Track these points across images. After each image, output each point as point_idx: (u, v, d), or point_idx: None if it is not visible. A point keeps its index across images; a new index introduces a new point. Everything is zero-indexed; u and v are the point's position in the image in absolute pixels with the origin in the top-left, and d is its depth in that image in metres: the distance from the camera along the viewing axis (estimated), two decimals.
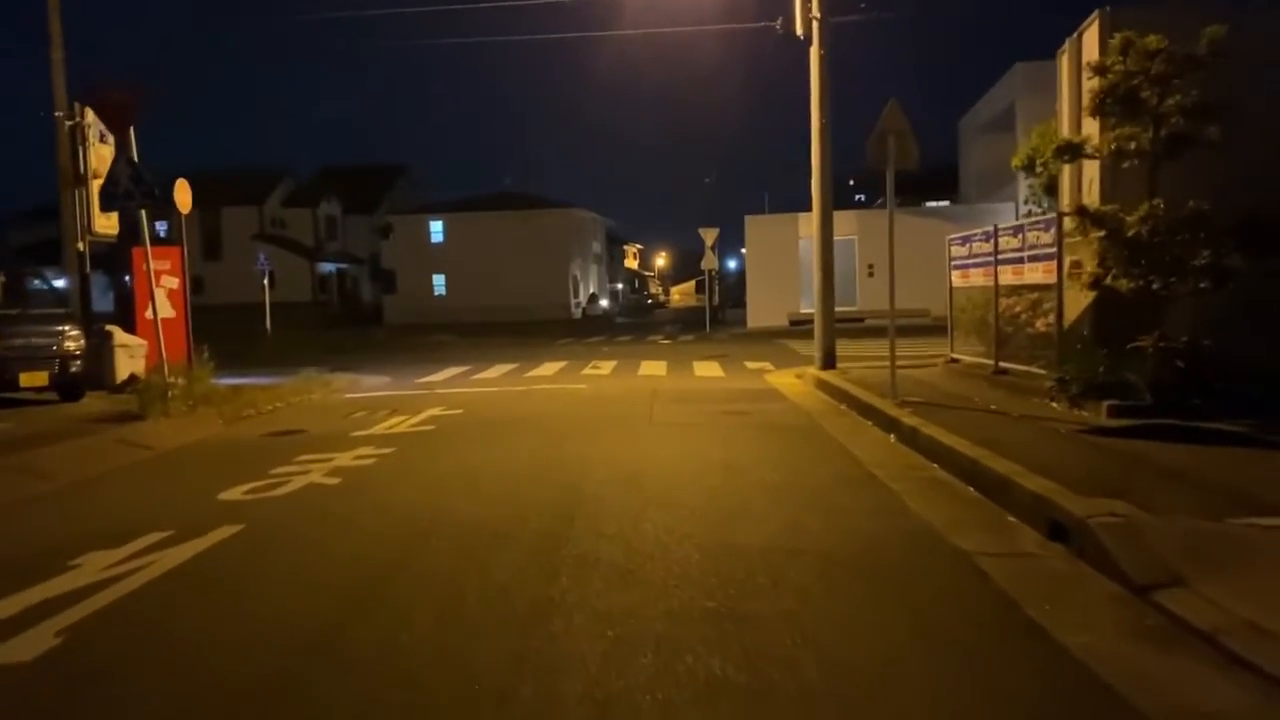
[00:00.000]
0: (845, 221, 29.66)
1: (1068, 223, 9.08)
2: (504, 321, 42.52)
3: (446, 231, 53.10)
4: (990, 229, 10.78)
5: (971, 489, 6.18)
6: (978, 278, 11.29)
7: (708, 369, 16.64)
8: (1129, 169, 8.64)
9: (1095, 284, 8.01)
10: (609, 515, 5.60)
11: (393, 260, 53.45)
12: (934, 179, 48.10)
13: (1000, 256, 10.39)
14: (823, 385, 12.35)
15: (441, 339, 31.36)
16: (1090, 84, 8.31)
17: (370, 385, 15.43)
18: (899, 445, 7.97)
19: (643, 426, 9.53)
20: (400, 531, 5.47)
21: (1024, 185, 29.57)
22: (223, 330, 32.10)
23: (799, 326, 31.23)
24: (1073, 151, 8.50)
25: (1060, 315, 9.03)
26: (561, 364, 18.22)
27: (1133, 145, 7.69)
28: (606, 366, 17.49)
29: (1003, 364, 10.51)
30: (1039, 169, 12.87)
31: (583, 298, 55.76)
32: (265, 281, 29.68)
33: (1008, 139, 32.87)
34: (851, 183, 62.30)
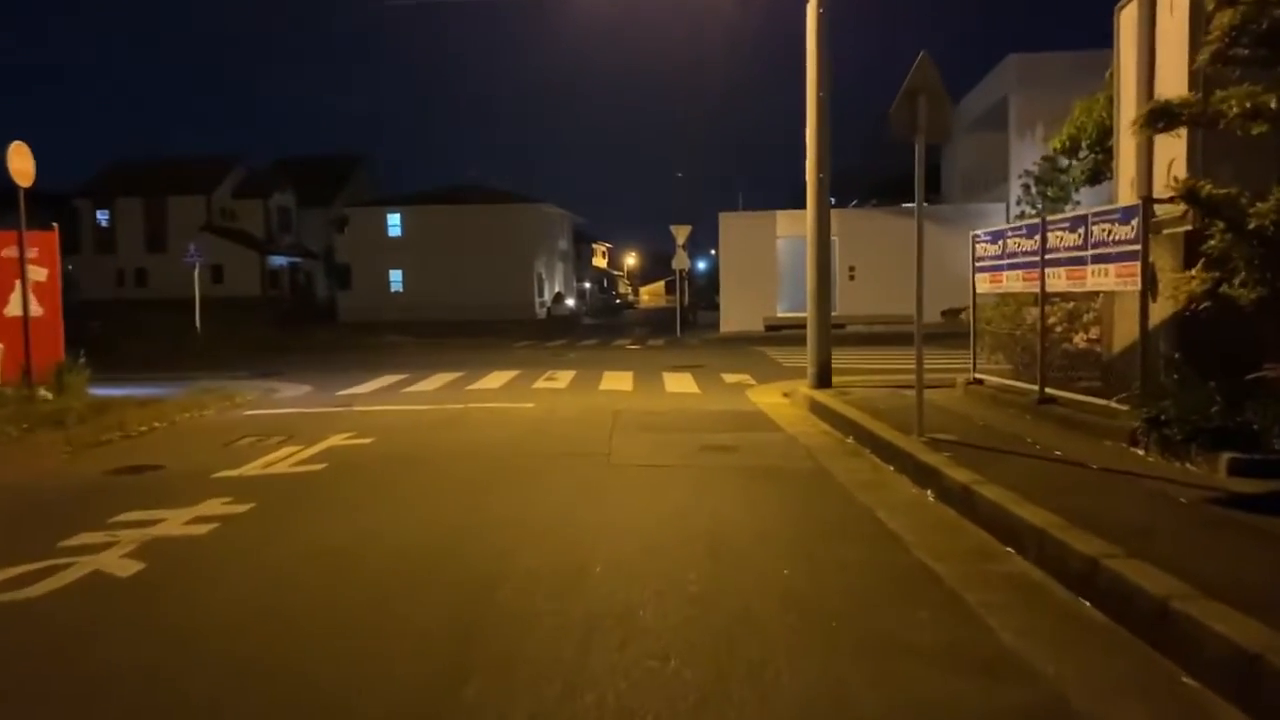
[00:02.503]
0: None
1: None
2: (464, 320, 40.04)
3: (405, 224, 50.43)
4: (1035, 222, 8.69)
5: (1086, 603, 4.05)
6: (1014, 282, 9.19)
7: (680, 383, 14.44)
8: (1228, 144, 6.63)
9: (1211, 292, 5.92)
10: (527, 668, 3.39)
11: (348, 254, 50.73)
12: (912, 179, 46.32)
13: (1049, 256, 8.29)
14: (819, 409, 10.20)
15: (391, 340, 28.95)
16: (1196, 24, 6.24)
17: (282, 398, 13.08)
18: (944, 508, 5.83)
19: (598, 471, 7.30)
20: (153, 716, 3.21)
21: (1016, 185, 27.77)
22: (156, 327, 29.61)
23: (776, 332, 29.21)
24: (1169, 117, 6.42)
25: (1145, 332, 6.94)
26: (513, 374, 15.92)
27: (1274, 103, 5.60)
28: (564, 378, 15.22)
29: (1050, 390, 8.41)
30: (1084, 152, 10.95)
31: (548, 297, 53.36)
32: (196, 275, 27.02)
33: (998, 137, 31.07)
34: None
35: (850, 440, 8.47)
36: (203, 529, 5.55)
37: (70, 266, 53.85)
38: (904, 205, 33.44)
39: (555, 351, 23.22)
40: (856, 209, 37.38)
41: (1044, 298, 8.53)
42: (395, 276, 50.22)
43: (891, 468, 7.14)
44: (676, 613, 3.99)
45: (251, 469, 7.49)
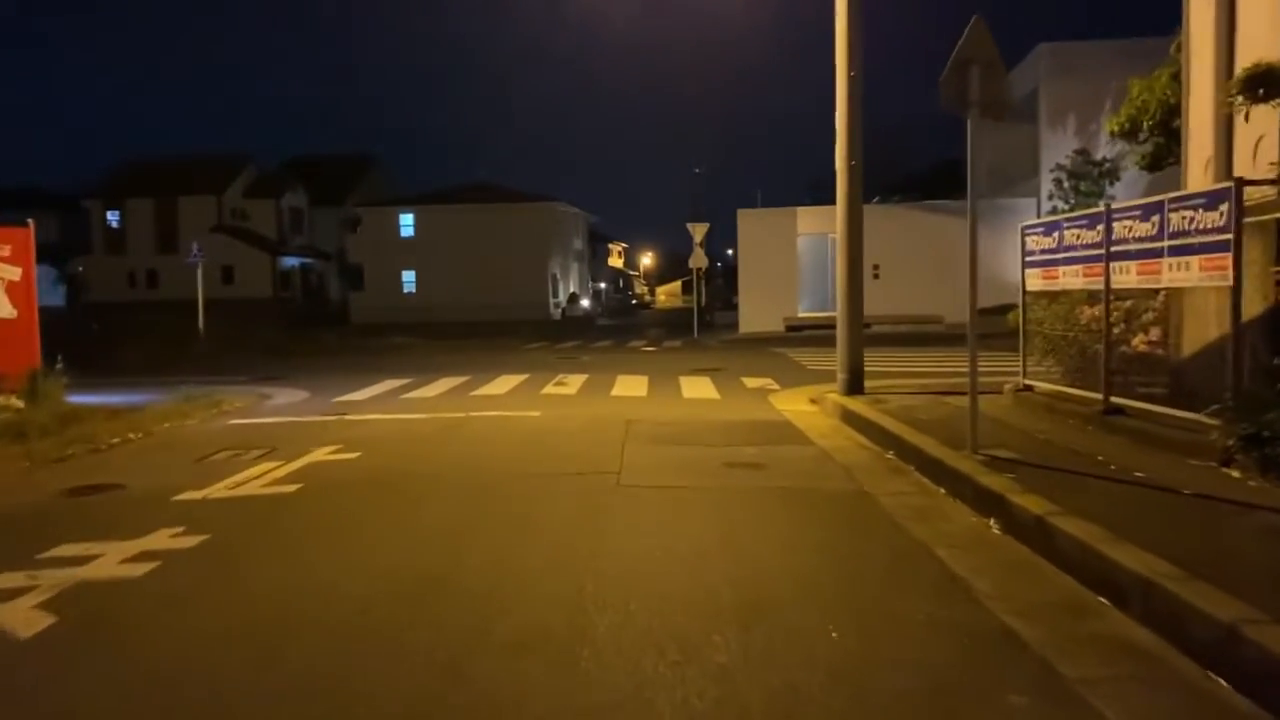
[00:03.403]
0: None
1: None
2: (477, 321, 39.25)
3: (417, 224, 49.70)
4: (1099, 211, 7.76)
5: (1222, 682, 3.15)
6: (1072, 277, 8.26)
7: (698, 388, 13.55)
8: None
9: None
10: None
11: (360, 255, 50.04)
12: (934, 176, 45.15)
13: (1115, 248, 7.37)
14: (853, 419, 9.30)
15: (399, 342, 28.17)
16: None
17: (274, 406, 12.28)
18: (1014, 544, 4.92)
19: (605, 494, 6.42)
20: None
21: (1048, 179, 26.71)
22: (162, 329, 29.00)
23: (797, 332, 28.31)
24: (1271, 82, 5.52)
25: (1239, 334, 6.00)
26: (521, 378, 15.08)
27: None
28: (574, 383, 14.35)
29: (1116, 399, 7.49)
30: (1144, 134, 10.01)
31: (563, 297, 52.53)
32: (199, 275, 26.37)
33: (1027, 130, 29.99)
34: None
35: (891, 455, 7.57)
36: (139, 570, 4.71)
37: (81, 268, 53.53)
38: (929, 202, 32.44)
39: (567, 354, 22.38)
40: (881, 205, 36.32)
41: (1109, 295, 7.60)
42: (408, 277, 49.54)
43: (943, 490, 6.24)
44: (699, 693, 3.13)
45: (218, 490, 6.67)
